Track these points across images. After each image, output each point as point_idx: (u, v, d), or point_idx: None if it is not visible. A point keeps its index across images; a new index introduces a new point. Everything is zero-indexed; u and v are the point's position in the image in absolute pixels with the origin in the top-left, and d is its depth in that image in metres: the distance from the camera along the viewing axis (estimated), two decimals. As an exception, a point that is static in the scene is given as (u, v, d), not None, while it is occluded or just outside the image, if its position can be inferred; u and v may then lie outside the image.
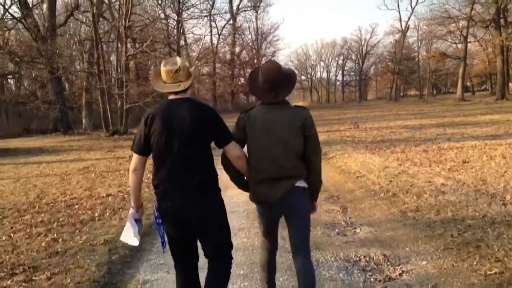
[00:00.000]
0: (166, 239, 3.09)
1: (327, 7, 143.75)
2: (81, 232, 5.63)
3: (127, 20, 23.60)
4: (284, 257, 4.47)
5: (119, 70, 24.19)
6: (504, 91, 39.02)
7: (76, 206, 7.09)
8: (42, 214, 6.66)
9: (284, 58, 78.37)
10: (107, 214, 6.49)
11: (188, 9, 44.06)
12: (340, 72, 79.71)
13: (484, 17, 40.20)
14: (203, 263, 3.33)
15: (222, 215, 3.14)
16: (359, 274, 4.04)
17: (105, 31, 29.99)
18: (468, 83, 60.38)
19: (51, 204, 7.36)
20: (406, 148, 11.46)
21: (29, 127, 29.58)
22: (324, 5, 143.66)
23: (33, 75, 30.62)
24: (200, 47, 40.53)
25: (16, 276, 4.28)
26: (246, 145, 3.17)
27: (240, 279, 4.12)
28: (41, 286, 4.04)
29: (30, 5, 28.85)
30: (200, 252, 3.21)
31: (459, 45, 47.15)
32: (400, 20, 57.41)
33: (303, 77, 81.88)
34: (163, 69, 3.01)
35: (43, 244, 5.18)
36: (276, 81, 3.03)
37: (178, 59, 3.07)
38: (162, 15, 40.05)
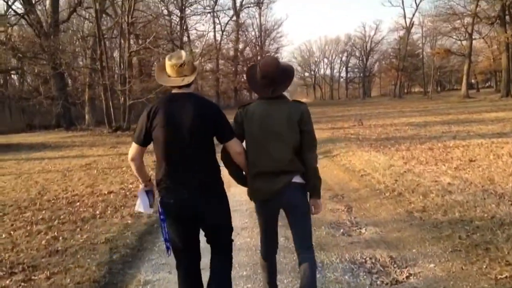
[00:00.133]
0: (168, 244, 3.09)
1: (330, 3, 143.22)
2: (82, 230, 5.55)
3: (130, 16, 23.48)
4: (288, 258, 4.40)
5: (122, 66, 24.11)
6: (509, 89, 38.65)
7: (78, 203, 7.01)
8: (43, 211, 6.59)
9: (288, 54, 78.07)
10: (109, 211, 6.41)
11: (191, 5, 43.87)
12: (344, 68, 79.45)
13: (489, 14, 39.88)
14: (205, 263, 3.30)
15: (224, 209, 3.18)
16: (365, 277, 3.95)
17: (108, 27, 29.90)
18: (472, 80, 59.99)
19: (52, 201, 7.29)
20: (411, 146, 11.33)
21: (32, 123, 29.53)
22: (328, 1, 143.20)
23: (36, 71, 30.50)
24: (203, 43, 40.35)
25: (15, 275, 4.20)
26: (244, 140, 3.19)
27: (243, 281, 4.03)
28: (40, 286, 3.96)
29: (33, 1, 28.67)
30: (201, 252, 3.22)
31: (464, 42, 46.83)
32: (405, 17, 57.11)
33: (306, 74, 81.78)
34: (167, 63, 3.00)
35: (43, 242, 5.10)
36: (274, 76, 3.04)
37: (183, 53, 3.06)
38: (165, 11, 39.91)
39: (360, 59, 74.81)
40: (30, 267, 4.37)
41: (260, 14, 57.58)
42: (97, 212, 6.39)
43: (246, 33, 57.11)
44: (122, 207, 6.63)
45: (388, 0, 68.64)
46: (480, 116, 20.04)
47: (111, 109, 23.17)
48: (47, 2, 29.08)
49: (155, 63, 38.80)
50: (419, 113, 25.32)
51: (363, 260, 4.31)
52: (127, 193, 7.63)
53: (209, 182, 3.03)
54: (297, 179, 3.07)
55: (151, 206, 3.35)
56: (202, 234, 3.19)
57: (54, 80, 27.69)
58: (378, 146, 11.74)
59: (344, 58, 78.39)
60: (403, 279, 3.84)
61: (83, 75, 29.47)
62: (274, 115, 3.03)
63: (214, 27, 51.09)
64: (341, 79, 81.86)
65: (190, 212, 2.97)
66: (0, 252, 4.86)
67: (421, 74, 63.39)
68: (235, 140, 3.08)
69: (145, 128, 2.94)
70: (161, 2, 39.63)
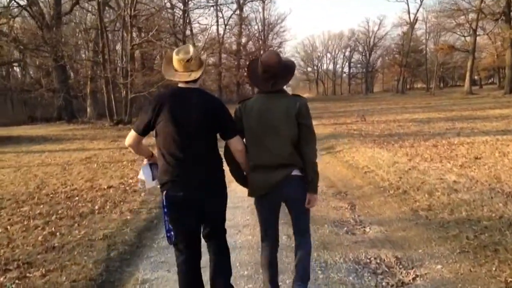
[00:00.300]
0: (172, 233, 3.04)
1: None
2: (80, 226, 5.43)
3: (132, 9, 23.30)
4: (291, 257, 4.22)
5: (124, 59, 23.95)
6: (512, 85, 38.44)
7: (76, 198, 6.90)
8: (41, 206, 6.48)
9: (291, 49, 78.04)
10: (108, 207, 6.29)
11: (194, -2, 43.55)
12: (347, 64, 79.07)
13: (494, 10, 39.56)
14: (205, 261, 3.26)
15: (225, 203, 3.23)
16: (369, 278, 3.82)
17: (110, 20, 29.69)
18: (475, 77, 59.64)
19: (51, 195, 7.18)
20: (415, 143, 11.19)
21: (34, 115, 29.48)
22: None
23: (37, 63, 30.37)
24: (206, 37, 40.14)
25: (9, 272, 4.10)
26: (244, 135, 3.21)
27: (244, 281, 3.91)
28: (34, 284, 3.85)
29: (36, -7, 28.52)
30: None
31: (468, 38, 46.49)
32: (409, 12, 56.54)
33: (309, 69, 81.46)
34: (175, 57, 3.01)
35: (39, 238, 4.99)
36: (275, 71, 3.06)
37: (191, 48, 3.05)
38: (168, 5, 39.59)
39: (363, 54, 74.43)
40: (26, 263, 4.26)
41: (263, 8, 57.27)
42: (96, 207, 6.27)
43: (249, 27, 56.79)
44: (122, 203, 6.51)
45: (392, -5, 68.20)
46: (484, 113, 19.84)
47: (113, 102, 23.03)
48: (50, -6, 28.89)
49: (157, 57, 38.77)
50: (422, 109, 25.12)
51: (368, 260, 4.18)
52: (127, 188, 7.52)
53: (214, 176, 3.08)
54: (296, 172, 3.09)
55: (153, 178, 3.32)
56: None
57: (56, 72, 27.61)
58: (382, 143, 11.60)
59: (347, 53, 78.07)
60: (409, 280, 3.71)
61: (85, 68, 29.32)
62: (273, 109, 3.06)
63: (217, 21, 50.70)
64: (344, 75, 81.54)
65: (196, 205, 3.00)
66: (-4, 247, 4.76)
67: (424, 70, 63.05)
68: (237, 138, 3.11)
69: (149, 119, 2.96)
70: (164, -5, 39.37)
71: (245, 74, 51.95)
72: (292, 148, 3.07)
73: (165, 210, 2.99)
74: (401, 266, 3.99)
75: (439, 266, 3.92)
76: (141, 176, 3.37)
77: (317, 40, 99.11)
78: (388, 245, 4.53)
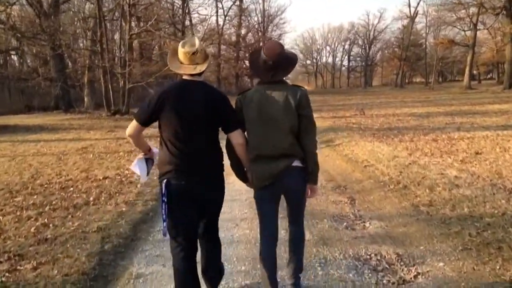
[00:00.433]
0: (165, 224, 3.00)
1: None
2: (74, 217, 5.31)
3: (132, -3, 23.02)
4: (289, 253, 4.16)
5: (122, 49, 23.70)
6: (512, 81, 38.31)
7: (71, 189, 6.78)
8: (35, 196, 6.36)
9: (290, 41, 77.47)
10: (103, 198, 6.17)
11: (194, -13, 43.23)
12: (346, 57, 78.80)
13: (495, 4, 39.32)
14: (199, 256, 3.20)
15: (223, 194, 3.24)
16: (370, 275, 3.72)
17: (109, 9, 29.39)
18: (474, 72, 59.49)
19: (45, 186, 7.05)
20: (415, 137, 11.09)
21: (31, 104, 29.22)
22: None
23: (34, 51, 30.07)
24: (206, 27, 39.82)
25: (0, 264, 3.98)
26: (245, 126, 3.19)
27: (241, 276, 3.80)
28: (25, 277, 3.74)
29: (34, -20, 28.17)
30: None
31: (468, 33, 46.24)
32: (409, 5, 56.30)
33: (308, 62, 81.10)
34: (180, 50, 3.01)
35: (32, 229, 4.87)
36: (277, 60, 3.04)
37: (197, 41, 3.06)
38: (168, -6, 39.24)
39: (363, 47, 74.17)
40: (17, 255, 4.14)
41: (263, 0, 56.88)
42: (91, 198, 6.14)
43: (249, 18, 56.39)
44: (117, 194, 6.39)
45: (393, -12, 67.77)
46: (483, 108, 19.75)
47: (110, 92, 22.81)
48: (48, -18, 28.55)
49: (156, 47, 38.48)
50: (421, 103, 25.02)
51: (368, 257, 4.08)
52: (123, 179, 7.40)
53: (214, 169, 3.11)
54: (296, 163, 3.09)
55: (148, 173, 3.37)
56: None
57: (53, 61, 27.33)
58: (381, 136, 11.50)
59: (346, 47, 77.80)
60: (411, 278, 3.61)
61: (83, 57, 29.02)
62: (272, 100, 3.05)
63: (217, 11, 50.25)
64: (343, 68, 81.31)
65: (197, 198, 3.01)
66: (-13, 238, 4.64)
67: (423, 64, 62.80)
68: (238, 131, 3.11)
69: (152, 110, 2.95)
70: (164, -16, 38.98)
71: (245, 66, 51.91)
72: (293, 138, 3.06)
73: (164, 199, 2.95)
74: (402, 263, 3.89)
75: (441, 264, 3.82)
76: (135, 169, 3.33)
77: (316, 32, 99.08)
78: (388, 241, 4.43)
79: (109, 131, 15.65)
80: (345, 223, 5.07)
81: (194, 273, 3.13)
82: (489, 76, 70.53)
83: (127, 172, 7.92)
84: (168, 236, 3.07)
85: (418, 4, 55.76)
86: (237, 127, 3.10)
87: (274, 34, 58.64)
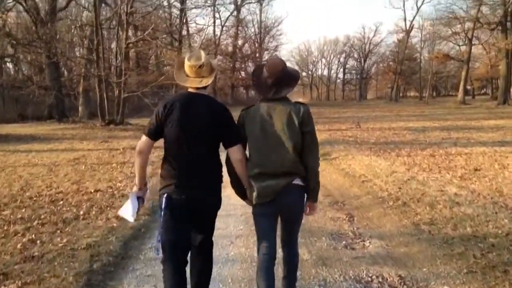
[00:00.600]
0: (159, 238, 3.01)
1: (331, 4, 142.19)
2: (63, 233, 5.10)
3: (129, 6, 22.93)
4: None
5: (118, 58, 23.55)
6: (506, 96, 38.48)
7: (61, 202, 6.56)
8: (23, 210, 6.14)
9: (286, 53, 77.63)
10: (93, 212, 5.96)
11: (192, -3, 43.12)
12: (341, 69, 79.04)
13: (490, 20, 39.61)
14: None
15: (218, 208, 3.24)
16: (372, 299, 3.55)
17: (106, 18, 29.30)
18: (468, 87, 59.82)
19: (35, 198, 6.83)
20: (412, 152, 10.97)
21: (25, 113, 28.91)
22: (329, 2, 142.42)
23: (29, 58, 29.86)
24: (203, 37, 39.86)
25: (-17, 284, 3.77)
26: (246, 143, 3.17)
27: (237, 299, 3.61)
28: (9, 298, 3.53)
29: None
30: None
31: (463, 48, 46.59)
32: (405, 19, 56.78)
33: (304, 74, 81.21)
34: (187, 63, 3.05)
35: (18, 246, 4.65)
36: (279, 77, 3.07)
37: (203, 54, 3.10)
38: (165, 3, 39.23)
39: (358, 60, 74.42)
40: (1, 274, 3.93)
41: (261, 11, 57.11)
42: (81, 212, 5.93)
43: (246, 29, 56.64)
44: (108, 208, 6.19)
45: (390, 2, 68.34)
46: (478, 123, 19.75)
47: (105, 102, 22.55)
48: (46, -12, 28.46)
49: (152, 57, 38.39)
50: (416, 117, 25.03)
51: (369, 279, 3.91)
52: (115, 192, 7.20)
53: (215, 182, 3.13)
54: (297, 181, 3.06)
55: (138, 211, 3.28)
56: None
57: (48, 69, 27.15)
58: (378, 151, 11.37)
59: (342, 59, 77.92)
60: (415, 303, 3.45)
61: (78, 65, 28.84)
62: (275, 117, 3.04)
63: (214, 22, 50.30)
64: (338, 80, 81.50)
65: (197, 209, 3.04)
66: (-29, 255, 4.42)
67: (417, 78, 63.14)
68: (238, 147, 3.09)
69: (158, 122, 2.98)
70: (162, -7, 38.93)
71: (240, 76, 51.91)
72: (295, 156, 3.03)
73: (163, 212, 2.99)
74: (405, 286, 3.73)
75: (446, 287, 3.66)
76: (123, 212, 3.28)
77: (312, 45, 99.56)
78: (390, 262, 4.26)
79: (102, 141, 15.44)
80: (344, 242, 4.90)
81: (184, 282, 3.11)
82: (482, 91, 70.92)
83: (119, 184, 7.73)
84: (160, 254, 3.05)
85: (414, 18, 56.30)
86: (237, 142, 3.09)
87: (271, 45, 59.01)
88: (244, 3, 54.17)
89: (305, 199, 3.17)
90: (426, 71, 58.51)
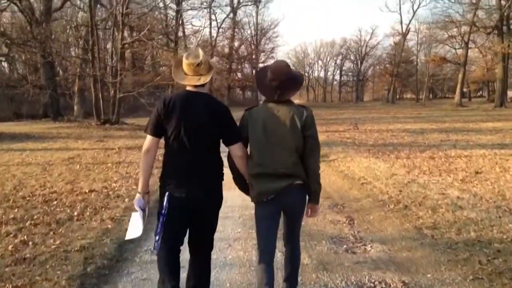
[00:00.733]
0: (159, 238, 2.97)
1: (327, 6, 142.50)
2: (56, 234, 4.95)
3: (124, 7, 22.77)
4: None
5: (114, 58, 23.38)
6: (503, 99, 38.58)
7: (55, 202, 6.41)
8: (16, 210, 5.98)
9: (283, 55, 77.42)
10: (87, 213, 5.81)
11: (188, -1, 42.98)
12: (338, 71, 79.13)
13: (486, 24, 39.68)
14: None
15: (219, 206, 3.24)
16: (376, 306, 3.43)
17: (102, 18, 29.12)
18: (465, 89, 60.00)
19: (28, 198, 6.67)
20: (411, 154, 10.88)
21: (20, 112, 28.70)
22: (325, 5, 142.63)
23: (23, 58, 29.61)
24: (199, 39, 39.71)
25: (-29, 288, 3.63)
26: (248, 143, 3.18)
27: (236, 305, 3.48)
28: (-2, 303, 3.39)
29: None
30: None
31: (459, 51, 46.69)
32: (401, 23, 56.95)
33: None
34: (185, 61, 3.06)
35: (10, 247, 4.50)
36: (283, 80, 3.07)
37: (201, 52, 3.10)
38: (161, 4, 39.06)
39: (355, 63, 74.65)
40: (-9, 278, 3.79)
41: (257, 13, 57.09)
42: (75, 213, 5.78)
43: (242, 31, 56.62)
44: (103, 209, 6.04)
45: (386, 5, 68.55)
46: (476, 126, 19.69)
47: (101, 101, 22.37)
48: (41, -11, 28.23)
49: (148, 57, 38.23)
50: (413, 119, 24.96)
51: (372, 285, 3.78)
52: (110, 192, 7.05)
53: (215, 180, 3.14)
54: (298, 181, 3.06)
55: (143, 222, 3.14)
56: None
57: (43, 69, 26.95)
58: (377, 152, 11.28)
59: (338, 61, 78.18)
60: (420, 311, 3.33)
61: (73, 65, 28.63)
62: (278, 119, 3.06)
63: (210, 23, 50.20)
64: (335, 82, 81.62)
65: (198, 208, 3.05)
66: (-40, 257, 4.26)
67: (414, 81, 63.37)
68: (239, 144, 3.12)
69: (159, 119, 2.99)
70: (158, -6, 38.74)
71: (237, 78, 51.81)
72: (297, 158, 3.05)
73: (164, 211, 2.96)
74: (409, 293, 3.61)
75: (451, 295, 3.54)
76: (132, 233, 3.10)
77: (309, 47, 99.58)
78: (392, 267, 4.14)
79: (97, 140, 15.28)
80: (345, 246, 4.78)
81: (177, 265, 3.15)
82: (479, 93, 71.15)
83: (114, 185, 7.58)
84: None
85: (410, 21, 56.63)
86: (237, 140, 3.11)
87: (267, 47, 58.99)
88: (240, 6, 54.20)
89: (306, 199, 3.17)
90: (423, 74, 58.64)
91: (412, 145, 12.68)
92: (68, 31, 31.42)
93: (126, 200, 6.51)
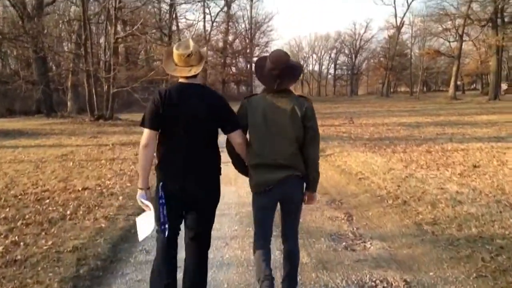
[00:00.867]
0: (167, 226, 2.97)
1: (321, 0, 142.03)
2: (48, 234, 4.82)
3: (117, 1, 22.51)
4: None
5: (107, 53, 23.14)
6: (497, 92, 38.69)
7: (47, 201, 6.27)
8: (7, 209, 5.84)
9: (277, 48, 77.41)
10: (81, 212, 5.68)
11: (182, -8, 42.59)
12: (332, 65, 78.92)
13: (480, 16, 39.68)
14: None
15: (218, 198, 3.20)
16: (378, 306, 3.33)
17: (95, 13, 28.78)
18: (459, 82, 60.09)
19: (19, 197, 6.54)
20: (408, 148, 10.81)
21: (12, 108, 28.40)
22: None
23: (15, 53, 29.27)
24: (193, 33, 39.44)
25: (-40, 291, 3.50)
26: (248, 131, 3.17)
27: (234, 307, 3.38)
28: (-13, 307, 3.27)
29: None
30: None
31: (453, 44, 46.77)
32: (396, 16, 56.77)
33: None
34: (175, 52, 3.01)
35: (0, 248, 4.36)
36: (283, 69, 3.05)
37: (191, 43, 3.05)
38: (155, -2, 38.67)
39: (349, 56, 74.46)
40: (-20, 280, 3.66)
41: (251, 7, 56.66)
42: (68, 212, 5.65)
43: (237, 25, 56.25)
44: (97, 207, 5.91)
45: (380, -2, 68.16)
46: (471, 119, 19.70)
47: (94, 97, 22.18)
48: (32, -17, 27.86)
49: (142, 52, 37.90)
50: (408, 113, 24.94)
51: (373, 284, 3.69)
52: (104, 190, 6.92)
53: (212, 170, 3.10)
54: (297, 172, 3.08)
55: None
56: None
57: (35, 64, 26.67)
58: (373, 147, 11.20)
59: (333, 55, 77.87)
60: (424, 311, 3.24)
61: (66, 60, 28.34)
62: (278, 109, 3.04)
63: (204, 17, 49.76)
64: (329, 76, 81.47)
65: (193, 201, 3.03)
66: (-51, 259, 4.13)
67: (408, 74, 63.32)
68: (238, 131, 3.10)
69: (156, 111, 2.92)
70: (151, -12, 38.36)
71: (231, 72, 51.62)
72: (296, 148, 3.06)
73: (161, 201, 2.95)
74: (412, 292, 3.52)
75: (455, 293, 3.46)
76: (143, 229, 3.06)
77: (303, 41, 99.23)
78: (394, 265, 4.05)
79: (91, 137, 15.11)
80: (344, 243, 4.68)
81: (175, 252, 3.13)
82: (472, 86, 71.30)
83: (108, 182, 7.45)
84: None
85: (404, 14, 56.39)
86: (236, 128, 3.09)
87: (262, 41, 58.67)
88: (234, -1, 53.75)
89: (304, 189, 3.18)
90: (417, 67, 58.67)
91: (408, 139, 12.62)
92: (60, 25, 31.01)
93: (120, 198, 6.40)
